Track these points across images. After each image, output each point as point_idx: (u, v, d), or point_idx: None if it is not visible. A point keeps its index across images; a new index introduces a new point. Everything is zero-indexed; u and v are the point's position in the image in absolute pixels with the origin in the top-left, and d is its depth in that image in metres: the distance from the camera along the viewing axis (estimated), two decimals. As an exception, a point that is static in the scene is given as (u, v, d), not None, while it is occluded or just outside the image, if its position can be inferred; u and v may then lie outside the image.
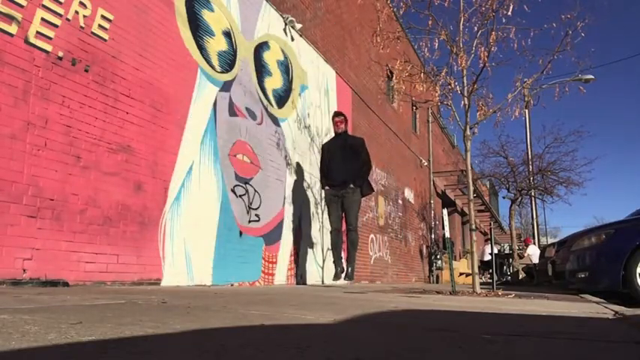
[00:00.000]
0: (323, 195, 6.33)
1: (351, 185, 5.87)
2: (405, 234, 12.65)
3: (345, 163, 5.97)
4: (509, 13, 5.47)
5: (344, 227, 5.98)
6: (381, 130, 11.30)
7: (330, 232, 5.97)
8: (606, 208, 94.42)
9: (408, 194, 13.27)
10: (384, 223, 10.96)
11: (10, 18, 3.18)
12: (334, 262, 5.95)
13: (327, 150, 6.27)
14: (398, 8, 6.35)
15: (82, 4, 3.68)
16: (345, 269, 5.91)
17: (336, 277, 5.94)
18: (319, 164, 6.39)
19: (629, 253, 5.38)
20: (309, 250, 7.11)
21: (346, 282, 6.66)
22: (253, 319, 1.86)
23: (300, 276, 6.69)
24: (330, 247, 6.21)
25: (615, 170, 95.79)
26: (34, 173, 3.25)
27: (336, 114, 6.35)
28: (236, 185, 5.47)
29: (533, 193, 16.59)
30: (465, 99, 5.71)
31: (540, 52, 5.75)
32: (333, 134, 6.44)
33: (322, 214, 7.65)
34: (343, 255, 6.15)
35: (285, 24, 6.86)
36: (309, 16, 7.74)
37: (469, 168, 6.00)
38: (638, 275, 5.31)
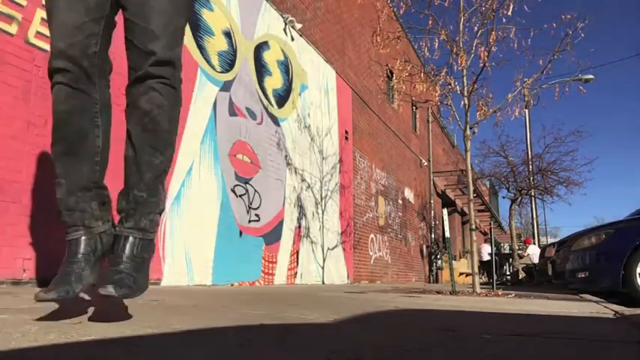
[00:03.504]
0: None
1: None
2: (405, 234, 12.65)
3: None
4: (509, 13, 5.48)
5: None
6: (381, 130, 11.30)
7: (52, 78, 1.64)
8: (606, 208, 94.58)
9: (408, 194, 13.27)
10: (384, 223, 10.96)
11: (10, 18, 3.18)
12: (65, 205, 1.53)
13: None
14: (398, 8, 6.35)
15: (82, 4, 3.68)
16: (116, 240, 1.58)
17: (58, 285, 1.36)
18: None
19: (629, 253, 5.38)
20: (310, 250, 7.11)
21: (110, 294, 1.35)
22: (253, 319, 1.86)
23: (300, 276, 6.69)
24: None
25: (615, 170, 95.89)
26: (34, 173, 3.25)
27: None
28: (236, 185, 5.46)
29: (533, 193, 16.59)
30: (465, 99, 5.71)
31: (540, 52, 5.77)
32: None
33: (322, 213, 7.65)
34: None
35: (285, 24, 6.86)
36: (309, 16, 7.74)
37: (469, 168, 6.00)
38: (638, 275, 5.32)
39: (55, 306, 1.63)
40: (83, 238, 1.52)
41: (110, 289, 1.37)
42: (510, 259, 15.76)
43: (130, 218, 1.60)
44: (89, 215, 1.56)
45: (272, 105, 6.40)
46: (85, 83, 1.59)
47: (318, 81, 7.91)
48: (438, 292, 5.44)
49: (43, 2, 3.12)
